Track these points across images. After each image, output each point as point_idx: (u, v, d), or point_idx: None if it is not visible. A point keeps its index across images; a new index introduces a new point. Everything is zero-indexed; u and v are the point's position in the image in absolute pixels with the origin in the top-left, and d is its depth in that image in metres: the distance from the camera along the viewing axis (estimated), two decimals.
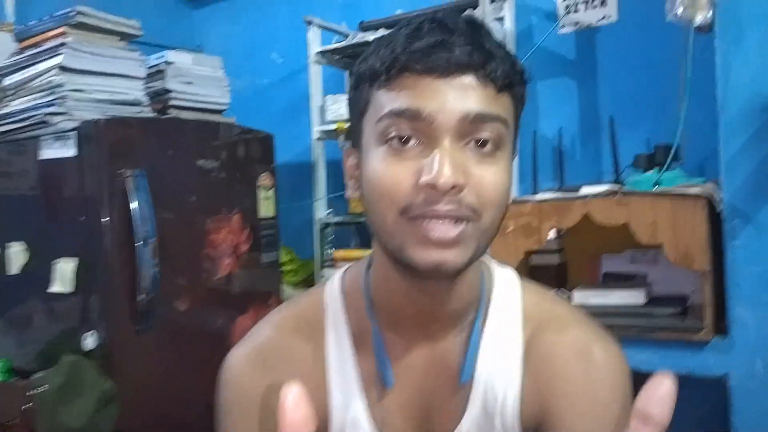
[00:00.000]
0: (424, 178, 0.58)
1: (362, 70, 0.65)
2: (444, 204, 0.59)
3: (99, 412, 1.49)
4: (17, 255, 1.80)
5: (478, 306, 0.72)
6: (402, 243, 0.61)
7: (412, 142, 0.60)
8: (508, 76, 0.62)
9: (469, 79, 0.60)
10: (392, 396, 0.71)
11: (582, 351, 0.69)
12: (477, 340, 0.70)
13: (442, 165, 0.58)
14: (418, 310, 0.68)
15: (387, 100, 0.61)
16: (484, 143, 0.61)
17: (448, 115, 0.59)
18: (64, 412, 1.44)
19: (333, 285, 0.76)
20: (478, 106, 0.60)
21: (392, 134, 0.60)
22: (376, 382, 0.70)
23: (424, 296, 0.67)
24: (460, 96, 0.59)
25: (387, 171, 0.61)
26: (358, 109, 0.66)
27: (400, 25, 0.64)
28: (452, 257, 0.60)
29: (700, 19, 1.51)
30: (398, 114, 0.60)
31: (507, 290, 0.74)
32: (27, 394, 1.45)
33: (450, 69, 0.59)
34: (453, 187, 0.58)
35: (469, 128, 0.60)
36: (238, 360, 0.73)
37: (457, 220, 0.60)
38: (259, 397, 0.70)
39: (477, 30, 0.63)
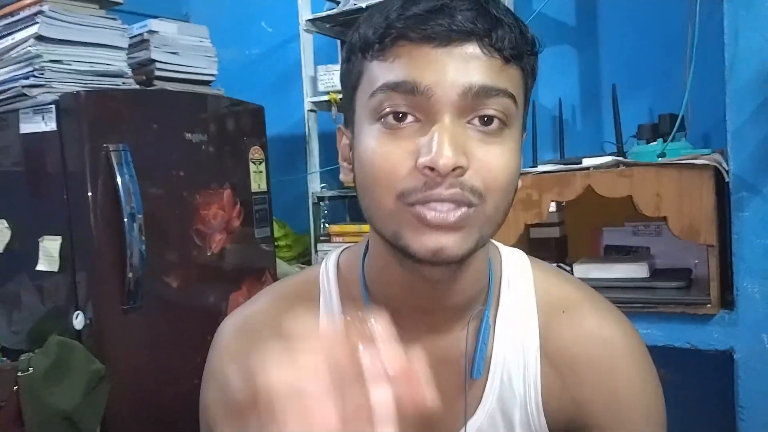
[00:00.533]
0: (422, 159, 0.53)
1: (354, 40, 0.59)
2: (445, 188, 0.54)
3: (89, 393, 1.45)
4: (2, 230, 1.74)
5: (487, 295, 0.67)
6: (398, 229, 0.56)
7: (408, 119, 0.55)
8: (516, 45, 0.56)
9: (472, 48, 0.54)
10: None
11: (603, 339, 0.66)
12: (487, 333, 0.65)
13: (442, 144, 0.52)
14: (420, 303, 0.64)
15: (380, 72, 0.56)
16: (489, 120, 0.55)
17: (449, 89, 0.53)
18: (53, 394, 1.40)
19: (327, 269, 0.71)
20: (483, 79, 0.54)
21: (386, 110, 0.55)
22: None
23: (425, 287, 0.62)
24: (461, 67, 0.54)
25: (381, 151, 0.55)
26: (350, 83, 0.60)
27: None
28: (452, 243, 0.55)
29: None
30: (393, 87, 0.54)
31: (518, 276, 0.69)
32: (17, 375, 1.40)
33: (450, 37, 0.54)
34: (454, 169, 0.53)
35: (472, 103, 0.54)
36: (229, 328, 0.71)
37: (459, 204, 0.54)
38: (244, 367, 0.66)
39: None
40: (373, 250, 0.66)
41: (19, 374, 1.39)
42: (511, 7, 2.01)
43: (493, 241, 0.70)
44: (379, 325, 0.64)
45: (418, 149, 0.54)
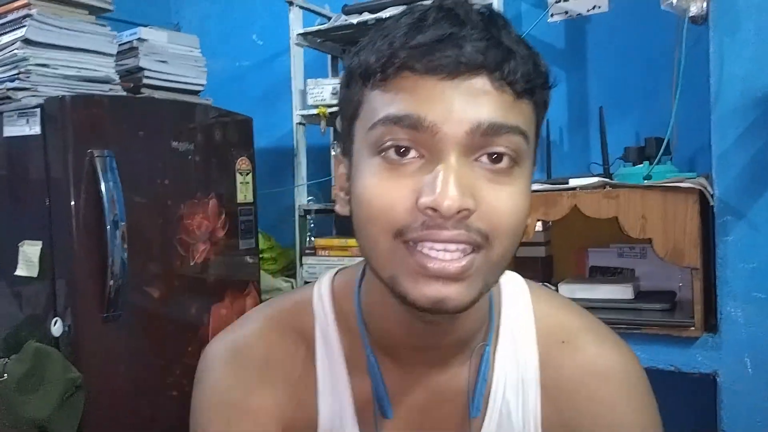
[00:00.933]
0: (425, 199, 0.49)
1: (354, 65, 0.55)
2: (448, 229, 0.50)
3: (64, 402, 1.41)
4: None
5: (487, 329, 0.64)
6: (396, 273, 0.52)
7: (411, 154, 0.51)
8: (529, 78, 0.52)
9: (481, 82, 0.50)
10: (390, 427, 0.63)
11: (602, 370, 0.64)
12: (488, 370, 0.63)
13: (446, 184, 0.48)
14: (418, 341, 0.61)
15: (382, 104, 0.52)
16: (498, 158, 0.51)
17: (455, 126, 0.49)
18: (27, 402, 1.36)
19: (322, 294, 0.67)
20: (492, 115, 0.50)
21: (388, 144, 0.51)
22: (373, 411, 0.63)
23: (423, 328, 0.58)
24: (470, 102, 0.50)
25: (380, 188, 0.51)
26: (349, 110, 0.56)
27: (403, 12, 0.55)
28: (456, 294, 0.51)
29: (695, 9, 1.48)
30: (395, 121, 0.50)
31: (517, 306, 0.67)
32: None
33: (458, 69, 0.49)
34: (459, 212, 0.49)
35: (481, 141, 0.50)
36: (216, 355, 0.66)
37: (464, 248, 0.50)
38: (234, 399, 0.63)
39: (493, 22, 0.52)
40: (370, 282, 0.62)
41: None
42: None
43: None
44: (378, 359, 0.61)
45: (421, 188, 0.50)
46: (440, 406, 0.63)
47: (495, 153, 0.51)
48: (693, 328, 1.40)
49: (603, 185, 1.52)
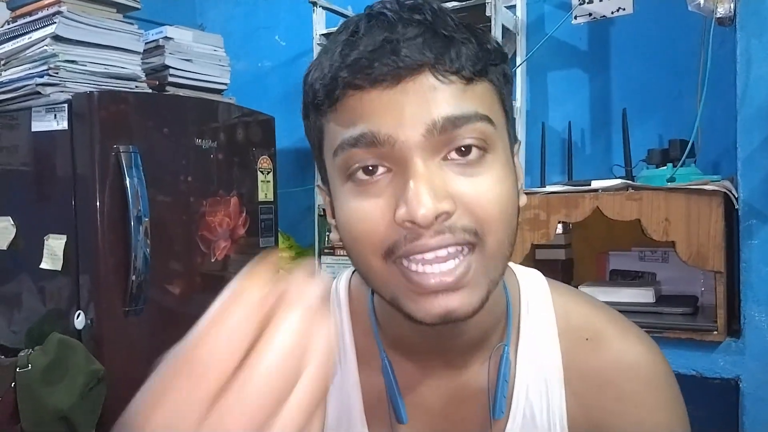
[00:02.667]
0: (399, 212, 0.47)
1: (305, 93, 0.54)
2: (430, 236, 0.48)
3: (86, 394, 1.43)
4: (5, 231, 1.74)
5: (505, 325, 0.62)
6: (396, 295, 0.51)
7: (379, 171, 0.50)
8: (477, 59, 0.49)
9: (426, 80, 0.48)
10: (405, 430, 0.62)
11: (629, 366, 0.62)
12: (508, 369, 0.61)
13: (418, 194, 0.47)
14: (432, 343, 0.59)
15: (338, 130, 0.51)
16: (467, 150, 0.49)
17: (411, 131, 0.48)
18: (50, 393, 1.38)
19: (339, 292, 0.67)
20: (446, 110, 0.48)
21: (354, 167, 0.50)
22: (385, 414, 0.61)
23: (436, 333, 0.56)
24: (420, 103, 0.48)
25: (358, 212, 0.50)
26: (314, 140, 0.56)
27: (339, 28, 0.53)
28: (460, 302, 0.49)
29: (722, 10, 1.46)
30: (352, 144, 0.49)
31: (537, 303, 0.65)
32: (15, 371, 1.39)
33: (400, 75, 0.48)
34: (437, 217, 0.47)
35: (442, 139, 0.48)
36: None
37: (455, 250, 0.49)
38: None
39: (426, 13, 0.50)
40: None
41: (17, 370, 1.37)
42: (523, 32, 2.03)
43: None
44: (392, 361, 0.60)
45: (396, 202, 0.48)
46: (459, 408, 0.62)
47: (462, 146, 0.49)
48: (716, 333, 1.38)
49: (626, 187, 1.51)
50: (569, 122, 1.88)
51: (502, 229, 0.50)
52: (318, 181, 0.61)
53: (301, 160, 2.49)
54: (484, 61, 0.50)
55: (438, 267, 0.49)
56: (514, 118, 0.58)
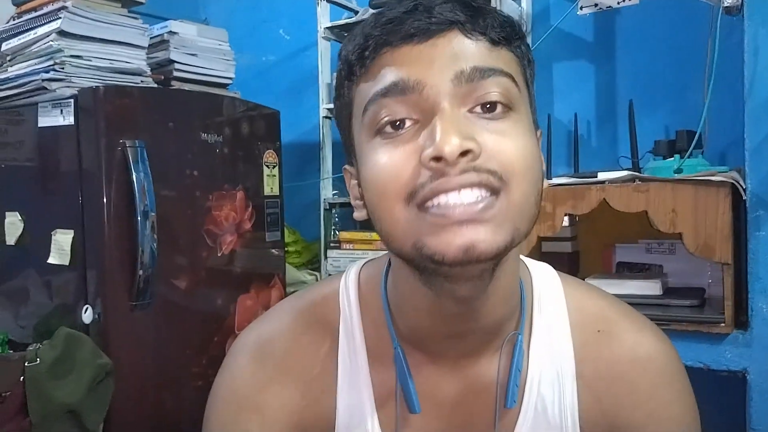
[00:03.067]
0: (427, 152, 0.48)
1: (339, 70, 0.57)
2: (456, 174, 0.48)
3: (94, 387, 1.44)
4: (12, 226, 1.75)
5: (519, 317, 0.62)
6: (418, 237, 0.50)
7: (407, 124, 0.51)
8: (502, 27, 0.53)
9: (456, 36, 0.51)
10: (417, 421, 0.62)
11: (640, 358, 0.62)
12: (521, 359, 0.61)
13: (446, 131, 0.48)
14: (448, 327, 0.59)
15: (367, 87, 0.53)
16: (492, 106, 0.51)
17: (439, 76, 0.50)
18: (58, 387, 1.39)
19: (348, 287, 0.66)
20: (473, 60, 0.51)
21: (382, 120, 0.52)
22: (396, 405, 0.61)
23: (454, 308, 0.56)
24: (449, 55, 0.51)
25: (384, 161, 0.51)
26: (345, 116, 0.57)
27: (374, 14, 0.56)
28: (484, 236, 0.48)
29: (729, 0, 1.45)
30: (383, 94, 0.51)
31: (550, 295, 0.65)
32: (24, 365, 1.40)
33: (431, 30, 0.51)
34: (464, 154, 0.48)
35: (469, 88, 0.50)
36: (241, 346, 0.67)
37: (480, 192, 0.49)
38: (245, 394, 0.64)
39: None
40: (395, 273, 0.61)
41: (26, 364, 1.38)
42: (528, 22, 2.02)
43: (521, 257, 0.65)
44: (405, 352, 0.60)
45: (423, 145, 0.50)
46: (471, 399, 0.62)
47: (488, 102, 0.51)
48: (723, 325, 1.38)
49: (632, 179, 1.51)
50: (575, 114, 1.87)
51: (527, 181, 0.51)
52: (345, 167, 0.62)
53: (306, 154, 2.49)
54: (509, 30, 0.54)
55: (462, 199, 0.49)
56: (534, 105, 0.58)
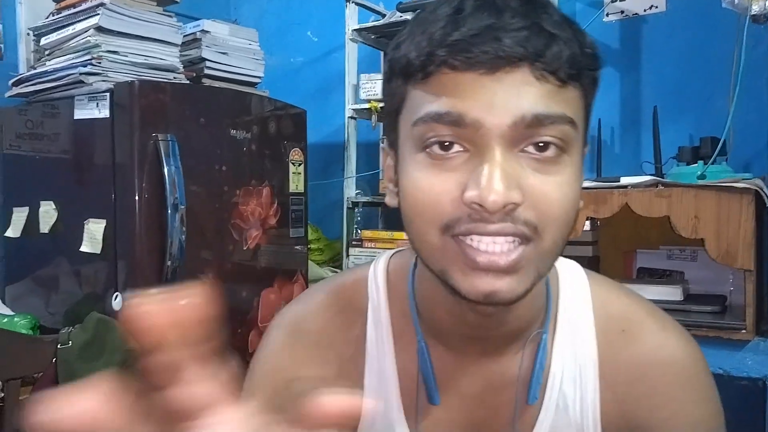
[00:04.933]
0: (470, 194, 0.49)
1: (395, 60, 0.54)
2: (494, 222, 0.49)
3: (123, 371, 1.48)
4: (47, 215, 1.80)
5: (544, 318, 0.63)
6: (446, 267, 0.52)
7: (455, 148, 0.50)
8: (574, 62, 0.49)
9: (522, 74, 0.49)
10: (438, 413, 0.63)
11: (663, 361, 0.62)
12: (545, 357, 0.61)
13: (491, 179, 0.48)
14: (471, 331, 0.60)
15: (423, 101, 0.51)
16: (545, 147, 0.50)
17: (498, 119, 0.49)
18: (89, 370, 1.43)
19: (377, 276, 0.68)
20: (536, 107, 0.49)
21: (432, 140, 0.51)
22: (419, 395, 0.63)
23: (476, 320, 0.58)
24: (512, 94, 0.49)
25: (426, 183, 0.51)
26: (392, 106, 0.56)
27: (440, 1, 0.53)
28: (506, 287, 0.50)
29: (756, 8, 1.46)
30: (436, 119, 0.50)
31: (575, 294, 0.65)
32: (57, 347, 1.44)
33: (498, 64, 0.48)
34: (505, 206, 0.48)
35: (526, 133, 0.49)
36: (279, 325, 0.69)
37: (512, 240, 0.50)
38: (283, 371, 0.66)
39: (534, 5, 0.50)
40: (422, 270, 0.61)
41: (58, 347, 1.42)
42: None
43: None
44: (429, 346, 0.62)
45: (466, 181, 0.49)
46: (493, 394, 0.62)
47: (541, 142, 0.50)
48: (744, 332, 1.38)
49: (655, 184, 1.52)
50: (599, 120, 1.88)
51: (560, 229, 0.51)
52: (383, 145, 0.62)
53: (331, 154, 2.53)
54: (581, 64, 0.51)
55: (494, 247, 0.50)
56: (588, 126, 0.57)
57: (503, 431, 0.62)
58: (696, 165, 1.55)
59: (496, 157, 0.49)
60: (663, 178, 1.60)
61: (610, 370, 0.62)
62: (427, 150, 0.51)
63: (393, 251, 0.71)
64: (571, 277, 0.65)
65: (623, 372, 0.62)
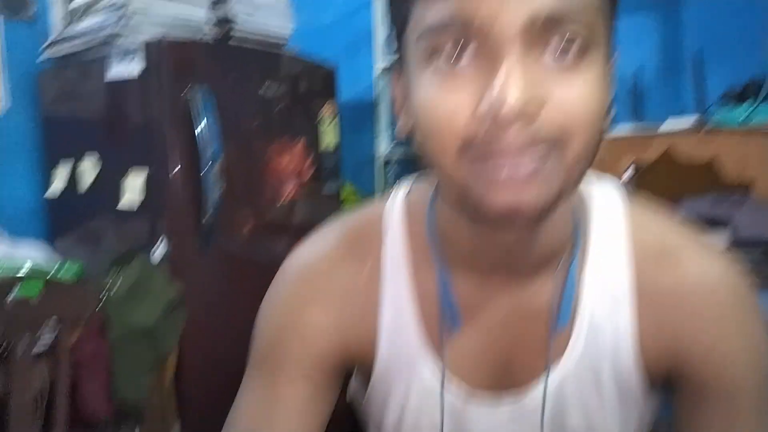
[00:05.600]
0: (484, 105, 0.44)
1: None
2: (512, 137, 0.45)
3: (167, 315, 1.52)
4: (89, 169, 1.82)
5: (573, 243, 0.60)
6: (465, 187, 0.48)
7: (466, 58, 0.46)
8: None
9: None
10: (462, 341, 0.61)
11: (706, 287, 0.58)
12: (573, 284, 0.59)
13: (508, 83, 0.43)
14: (495, 261, 0.58)
15: (426, 12, 0.46)
16: (567, 45, 0.45)
17: (510, 19, 0.43)
18: (134, 311, 1.48)
19: (394, 209, 0.65)
20: (550, 3, 0.43)
21: (438, 51, 0.46)
22: (441, 325, 0.61)
23: (500, 245, 0.55)
24: None
25: (437, 99, 0.47)
26: (396, 24, 0.51)
27: None
28: (529, 198, 0.46)
29: None
30: (441, 28, 0.45)
31: (609, 219, 0.61)
32: (104, 290, 1.49)
33: None
34: (525, 111, 0.44)
35: (541, 34, 0.44)
36: (286, 268, 0.67)
37: (536, 144, 0.45)
38: (288, 314, 0.65)
39: None
40: (441, 198, 0.59)
41: (105, 290, 1.46)
42: None
43: None
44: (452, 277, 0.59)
45: (482, 91, 0.45)
46: (519, 323, 0.60)
47: (563, 37, 0.45)
48: None
49: (699, 127, 1.46)
50: (639, 66, 1.81)
51: (588, 136, 0.47)
52: (393, 72, 0.58)
53: (363, 110, 2.51)
54: None
55: (515, 157, 0.46)
56: (614, 25, 0.51)
57: (532, 360, 0.60)
58: (741, 107, 1.49)
59: (513, 58, 0.44)
60: (706, 122, 1.54)
61: (648, 297, 0.59)
62: (435, 64, 0.47)
63: (408, 187, 0.68)
64: (606, 203, 0.62)
65: (663, 299, 0.59)
